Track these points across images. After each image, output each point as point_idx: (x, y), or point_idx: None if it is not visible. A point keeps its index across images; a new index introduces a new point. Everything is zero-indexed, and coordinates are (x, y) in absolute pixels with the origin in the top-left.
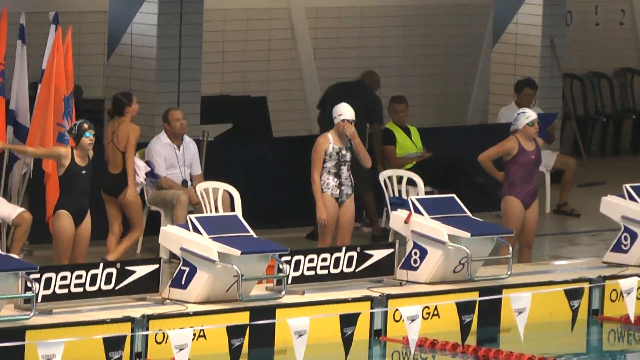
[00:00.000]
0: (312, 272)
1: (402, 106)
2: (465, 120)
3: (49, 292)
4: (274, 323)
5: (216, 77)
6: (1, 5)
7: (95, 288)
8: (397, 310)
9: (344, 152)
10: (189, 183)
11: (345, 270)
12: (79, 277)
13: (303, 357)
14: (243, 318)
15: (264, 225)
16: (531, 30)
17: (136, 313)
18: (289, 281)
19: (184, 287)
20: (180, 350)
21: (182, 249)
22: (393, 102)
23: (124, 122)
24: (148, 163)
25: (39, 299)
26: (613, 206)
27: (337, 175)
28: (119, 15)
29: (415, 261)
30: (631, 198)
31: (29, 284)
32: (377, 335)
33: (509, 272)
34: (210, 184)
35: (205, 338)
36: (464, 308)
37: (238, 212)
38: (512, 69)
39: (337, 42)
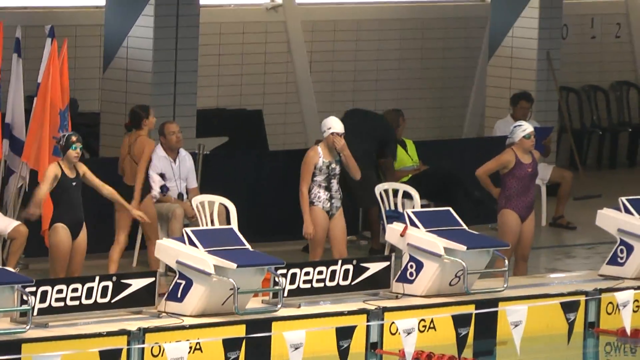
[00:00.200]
0: (308, 285)
1: (399, 120)
2: (461, 133)
3: (45, 305)
4: (270, 336)
5: (212, 91)
6: None
7: (91, 301)
8: (393, 323)
9: (333, 165)
10: (185, 196)
11: (342, 283)
12: (75, 290)
13: None
14: (239, 331)
15: (260, 238)
16: (527, 44)
17: (132, 326)
18: (285, 294)
19: (180, 300)
20: None
21: (178, 262)
22: (389, 116)
23: (142, 135)
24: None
25: (35, 312)
26: (609, 219)
27: (328, 188)
28: (115, 28)
29: (411, 274)
30: (627, 211)
31: (24, 297)
32: (374, 348)
33: (505, 285)
34: (206, 197)
35: (202, 351)
36: (460, 321)
37: (234, 225)
38: (508, 82)
39: (333, 56)
